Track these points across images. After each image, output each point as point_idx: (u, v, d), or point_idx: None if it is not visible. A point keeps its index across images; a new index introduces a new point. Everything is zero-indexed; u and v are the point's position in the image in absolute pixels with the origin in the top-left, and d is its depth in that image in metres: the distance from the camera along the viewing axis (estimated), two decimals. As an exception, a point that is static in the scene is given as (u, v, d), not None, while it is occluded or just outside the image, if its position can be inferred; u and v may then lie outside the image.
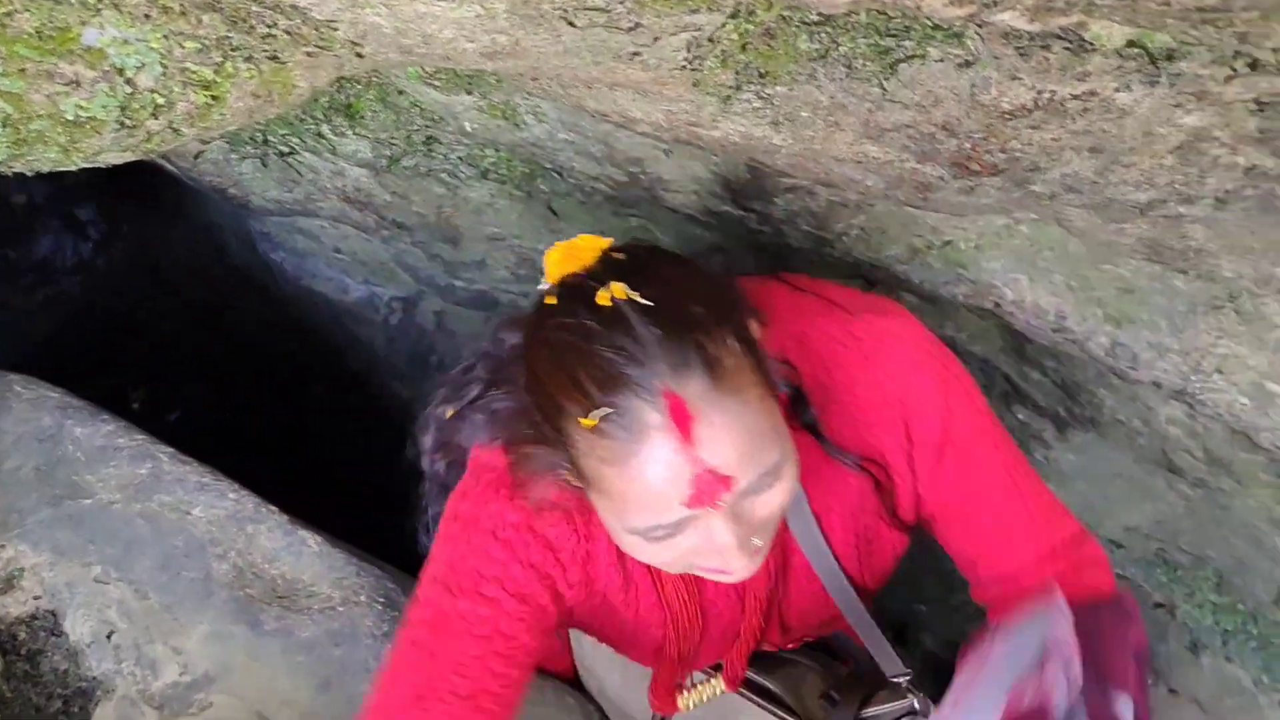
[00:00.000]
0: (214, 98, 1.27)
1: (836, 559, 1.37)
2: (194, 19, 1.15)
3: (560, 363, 1.07)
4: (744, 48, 1.15)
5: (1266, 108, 1.02)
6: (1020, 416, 2.04)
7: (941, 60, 1.09)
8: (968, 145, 1.20)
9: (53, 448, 1.84)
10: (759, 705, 1.59)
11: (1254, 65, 0.98)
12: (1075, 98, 1.07)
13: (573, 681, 1.77)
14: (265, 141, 1.98)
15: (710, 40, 1.14)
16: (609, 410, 1.02)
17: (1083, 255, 1.50)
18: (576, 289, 1.09)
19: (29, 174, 1.27)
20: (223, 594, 1.71)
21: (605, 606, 1.38)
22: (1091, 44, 1.02)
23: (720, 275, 1.19)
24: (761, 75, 1.21)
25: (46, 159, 1.22)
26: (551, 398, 1.08)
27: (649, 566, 1.30)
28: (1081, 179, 1.22)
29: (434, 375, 2.79)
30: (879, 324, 1.30)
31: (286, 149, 1.99)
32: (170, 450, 1.86)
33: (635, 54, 1.16)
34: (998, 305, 1.62)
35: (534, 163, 1.86)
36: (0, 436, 1.87)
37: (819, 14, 1.10)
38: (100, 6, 1.10)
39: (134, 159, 1.34)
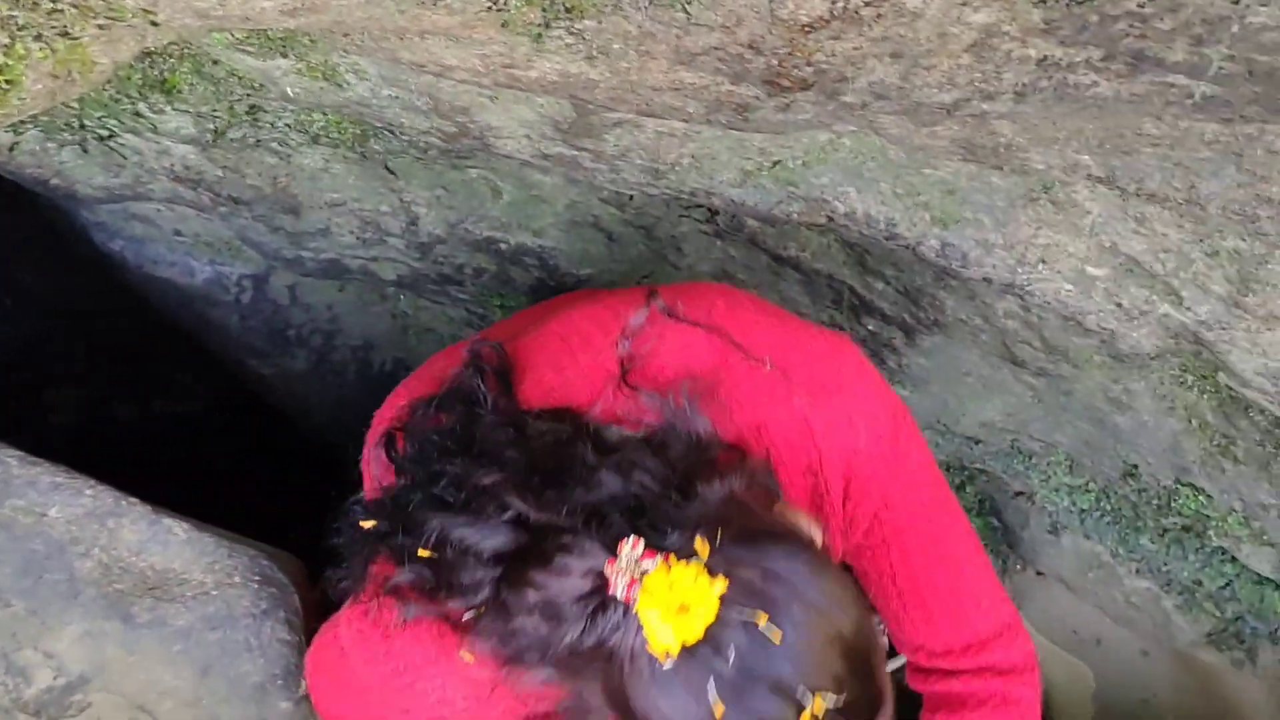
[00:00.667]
0: (8, 82, 1.23)
1: None
2: (-30, 0, 1.11)
3: None
4: (546, -17, 1.15)
5: (1046, -1, 1.06)
6: (870, 327, 2.10)
7: (737, -21, 1.11)
8: (775, 62, 1.22)
9: (-110, 464, 1.77)
10: None
11: (1026, -42, 1.02)
12: (868, 4, 1.09)
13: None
14: (82, 126, 1.91)
15: (510, -22, 1.14)
16: None
17: (904, 162, 1.55)
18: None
19: None
20: (90, 592, 1.67)
21: None
22: (875, -50, 1.05)
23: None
24: (569, 10, 1.21)
25: None
26: None
27: None
28: (888, 86, 1.25)
29: (294, 350, 2.76)
30: (837, 411, 1.31)
31: (105, 132, 1.92)
32: (18, 453, 1.79)
33: (437, -1, 1.16)
34: (831, 219, 1.66)
35: (363, 122, 1.83)
36: None
37: (613, -57, 1.11)
38: None
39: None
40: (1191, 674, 2.21)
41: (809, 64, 1.22)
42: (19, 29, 1.16)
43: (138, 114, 1.84)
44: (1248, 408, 1.69)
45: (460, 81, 1.48)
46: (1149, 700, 2.26)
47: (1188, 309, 1.54)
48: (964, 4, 1.08)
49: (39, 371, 2.84)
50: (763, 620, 1.00)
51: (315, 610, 1.83)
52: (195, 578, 1.73)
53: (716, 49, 1.23)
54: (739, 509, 1.11)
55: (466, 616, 1.14)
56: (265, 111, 1.83)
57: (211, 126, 1.86)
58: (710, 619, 1.00)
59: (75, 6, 1.16)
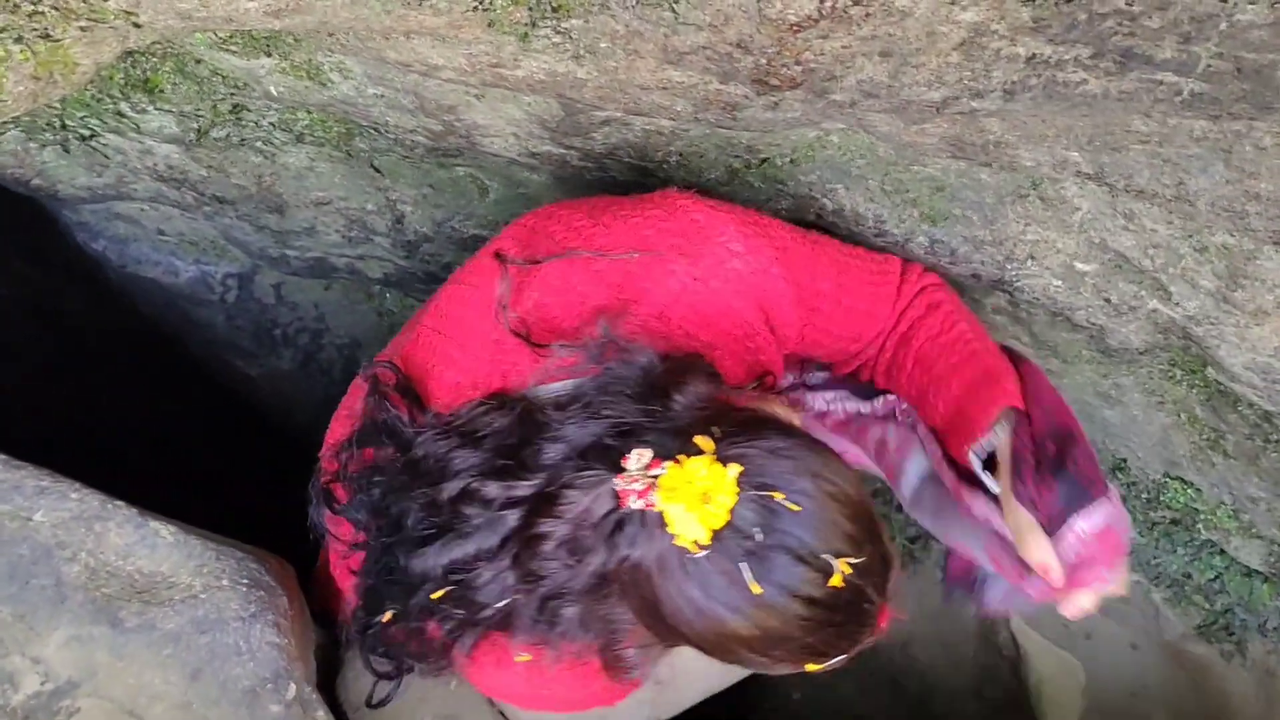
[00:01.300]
0: (-11, 84, 1.21)
1: None
2: (-51, 2, 1.09)
3: (793, 644, 1.09)
4: (532, -17, 1.15)
5: (1035, -3, 1.06)
6: (859, 323, 2.10)
7: (725, -22, 1.11)
8: (764, 61, 1.22)
9: (-128, 469, 1.75)
10: None
11: (1016, -43, 1.01)
12: (857, 4, 1.09)
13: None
14: (63, 126, 1.90)
15: (496, -22, 1.13)
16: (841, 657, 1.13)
17: (892, 159, 1.54)
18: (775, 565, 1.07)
19: None
20: (77, 597, 1.65)
21: None
22: (864, -51, 1.04)
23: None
24: (555, 9, 1.20)
25: None
26: (754, 657, 1.11)
27: None
28: (877, 84, 1.25)
29: (280, 349, 2.74)
30: (714, 254, 1.35)
31: (87, 132, 1.90)
32: (3, 456, 1.78)
33: (423, -1, 1.15)
34: (820, 216, 1.66)
35: (349, 121, 1.82)
36: None
37: (600, -58, 1.10)
38: None
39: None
40: (1181, 667, 2.22)
41: (798, 63, 1.21)
42: (-1, 31, 1.15)
43: (120, 114, 1.82)
44: (1236, 402, 1.69)
45: (447, 81, 1.47)
46: (1139, 693, 2.27)
47: (1176, 304, 1.54)
48: (953, 3, 1.08)
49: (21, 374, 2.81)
50: (779, 496, 1.05)
51: (303, 613, 1.83)
52: (183, 581, 1.72)
53: (705, 48, 1.22)
54: (719, 405, 1.17)
55: (502, 608, 1.18)
56: (249, 110, 1.81)
57: (195, 126, 1.85)
58: (731, 503, 1.05)
59: (56, 9, 1.15)
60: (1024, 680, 2.40)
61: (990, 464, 1.36)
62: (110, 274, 2.62)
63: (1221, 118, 1.21)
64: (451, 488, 1.17)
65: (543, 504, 1.13)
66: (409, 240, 2.20)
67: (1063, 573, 1.25)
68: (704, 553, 1.05)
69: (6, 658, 1.60)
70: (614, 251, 1.34)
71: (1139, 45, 1.11)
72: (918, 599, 2.46)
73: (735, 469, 1.06)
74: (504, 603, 1.18)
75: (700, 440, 1.08)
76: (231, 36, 1.51)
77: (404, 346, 1.40)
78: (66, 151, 1.98)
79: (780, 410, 1.23)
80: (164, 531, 1.75)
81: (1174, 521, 2.06)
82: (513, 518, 1.15)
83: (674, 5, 1.15)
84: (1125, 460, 2.04)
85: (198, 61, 1.66)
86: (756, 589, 1.04)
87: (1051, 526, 1.25)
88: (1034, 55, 1.16)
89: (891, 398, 1.55)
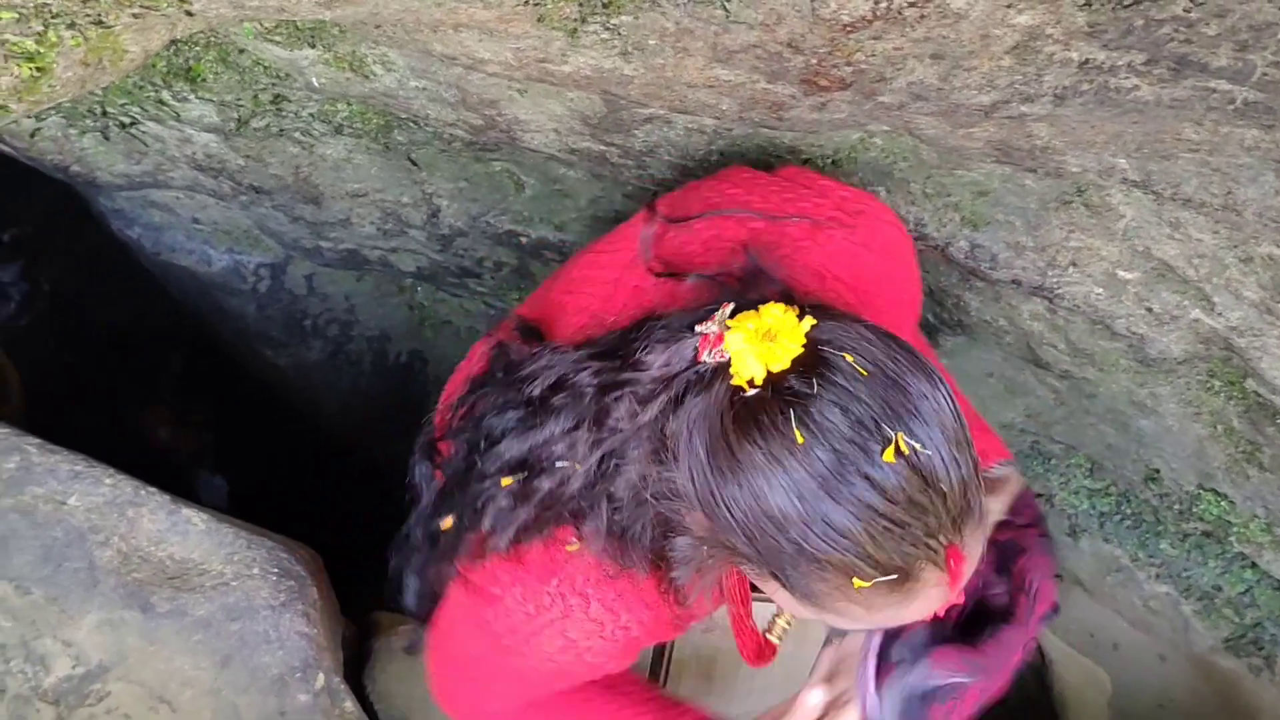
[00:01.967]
0: (39, 69, 1.21)
1: None
2: (6, -14, 1.09)
3: (829, 518, 0.93)
4: (584, -22, 1.14)
5: (1093, 1, 1.05)
6: (893, 326, 2.09)
7: (780, -23, 1.10)
8: (814, 61, 1.21)
9: (-90, 450, 1.77)
10: None
11: (1077, -40, 1.01)
12: (911, 5, 1.08)
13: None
14: (104, 113, 1.90)
15: (549, -27, 1.13)
16: (888, 577, 0.94)
17: (936, 162, 1.54)
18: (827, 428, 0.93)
19: None
20: (110, 581, 1.66)
21: None
22: (922, -50, 1.04)
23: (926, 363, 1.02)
24: (605, 6, 1.20)
25: None
26: (796, 559, 0.96)
27: None
28: (927, 86, 1.24)
29: (310, 340, 2.75)
30: (872, 225, 1.30)
31: (128, 119, 1.91)
32: (38, 441, 1.79)
33: (475, -8, 1.15)
34: (860, 218, 1.65)
35: (388, 113, 1.82)
36: None
37: (655, -62, 1.10)
38: (-99, -21, 1.04)
39: (-40, 141, 1.28)
40: (1209, 680, 2.20)
41: (848, 63, 1.21)
42: (53, 17, 1.15)
43: (161, 101, 1.83)
44: (1275, 414, 1.67)
45: (491, 75, 1.46)
46: (1165, 705, 2.26)
47: (1219, 314, 1.53)
48: (1009, 6, 1.07)
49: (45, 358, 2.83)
50: (850, 358, 0.95)
51: (332, 603, 1.83)
52: (214, 568, 1.73)
53: (755, 47, 1.21)
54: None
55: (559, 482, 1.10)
56: (289, 101, 1.82)
57: (235, 115, 1.85)
58: (796, 351, 0.96)
59: (111, -5, 1.15)
60: (1049, 689, 2.38)
61: None
62: (144, 261, 2.63)
63: (1274, 127, 1.20)
64: (545, 379, 1.11)
65: (625, 369, 1.06)
66: (443, 234, 2.20)
67: None
68: (754, 391, 0.95)
69: (39, 640, 1.61)
70: (775, 213, 1.28)
71: (1194, 52, 1.10)
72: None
73: (810, 322, 0.98)
74: (563, 473, 1.09)
75: (784, 306, 1.00)
76: (276, 27, 1.51)
77: (531, 316, 1.33)
78: (106, 138, 1.98)
79: None
80: (196, 519, 1.76)
81: (1206, 533, 2.05)
82: (592, 392, 1.07)
83: (726, 4, 1.14)
84: (1158, 470, 2.02)
85: (240, 51, 1.66)
86: (799, 437, 0.92)
87: None
88: (1087, 60, 1.15)
89: None
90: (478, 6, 1.19)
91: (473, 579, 1.19)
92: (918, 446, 0.92)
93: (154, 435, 2.86)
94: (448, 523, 1.19)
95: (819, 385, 0.94)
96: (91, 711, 1.57)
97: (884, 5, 1.09)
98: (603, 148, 1.68)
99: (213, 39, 1.64)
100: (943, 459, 0.93)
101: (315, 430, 3.04)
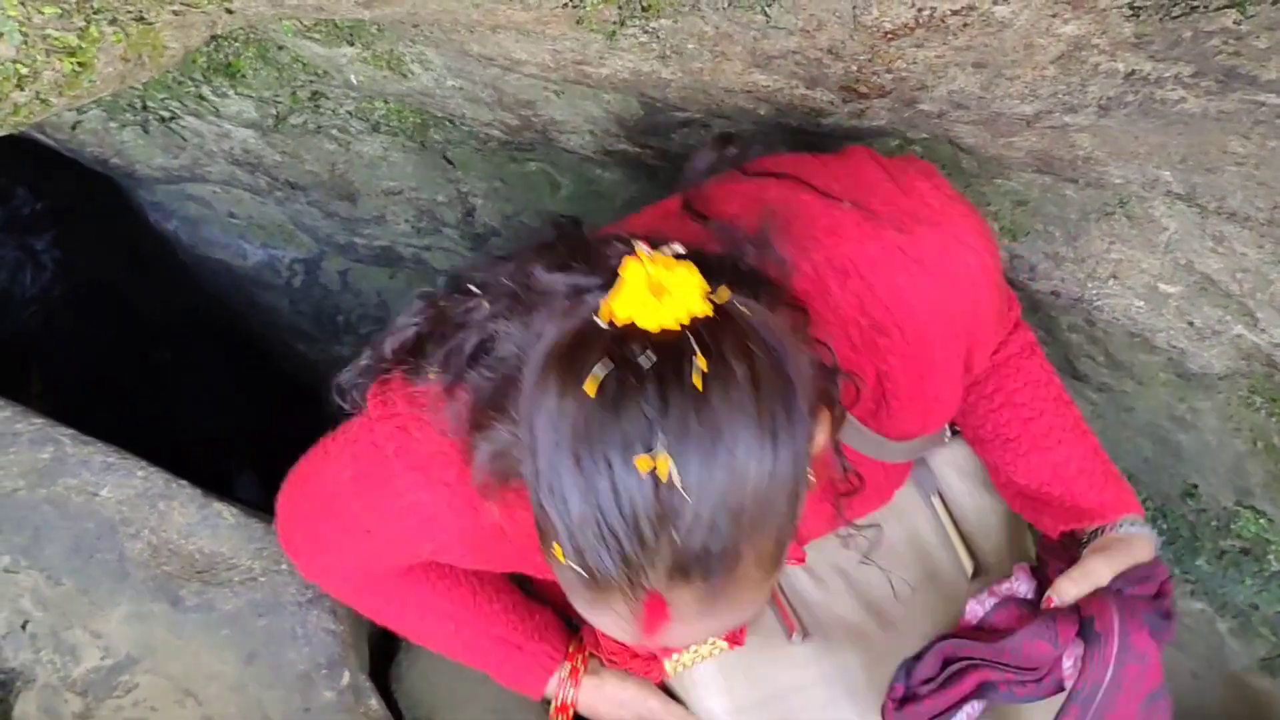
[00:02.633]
0: (81, 64, 1.22)
1: None
2: (49, -18, 1.10)
3: (562, 477, 0.87)
4: (624, -19, 1.14)
5: (1141, 12, 1.03)
6: (928, 335, 2.07)
7: (821, -17, 1.09)
8: (854, 68, 1.20)
9: (-55, 439, 1.78)
10: None
11: (1126, -30, 0.99)
12: (955, 13, 1.07)
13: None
14: (144, 107, 1.92)
15: (589, -25, 1.12)
16: (580, 571, 0.89)
17: (975, 171, 1.52)
18: (634, 373, 0.85)
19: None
20: (139, 574, 1.68)
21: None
22: (966, -42, 1.02)
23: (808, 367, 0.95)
24: (645, 9, 1.19)
25: (-93, 137, 1.18)
26: (535, 490, 0.91)
27: None
28: (968, 95, 1.23)
29: (342, 335, 2.76)
30: (938, 239, 1.14)
31: (167, 114, 1.92)
32: (71, 432, 1.80)
33: (514, -6, 1.14)
34: (897, 226, 1.64)
35: (425, 112, 1.82)
36: (-111, 431, 1.80)
37: (696, -57, 1.09)
38: (-54, -26, 1.05)
39: (1, 134, 1.29)
40: (1242, 699, 2.17)
41: (889, 71, 1.19)
42: (94, 12, 1.16)
43: (200, 97, 1.84)
44: (1316, 432, 1.65)
45: (527, 76, 1.46)
46: (1198, 724, 2.23)
47: (1263, 330, 1.50)
48: (1054, 15, 1.06)
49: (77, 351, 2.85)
50: (708, 366, 0.85)
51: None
52: (243, 563, 1.73)
53: (794, 52, 1.20)
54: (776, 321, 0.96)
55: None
56: (327, 99, 1.82)
57: (273, 111, 1.86)
58: (670, 324, 0.86)
59: (151, -9, 1.15)
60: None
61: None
62: (180, 254, 2.65)
63: (1324, 142, 1.17)
64: (535, 247, 1.08)
65: (582, 260, 1.01)
66: (478, 233, 2.20)
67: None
68: (600, 325, 0.88)
69: (69, 630, 1.62)
70: (830, 192, 1.16)
71: (1243, 65, 1.08)
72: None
73: (723, 297, 0.90)
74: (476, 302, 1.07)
75: (722, 290, 0.91)
76: (316, 24, 1.51)
77: None
78: (146, 132, 2.00)
79: (823, 431, 1.02)
80: (226, 513, 1.77)
81: (1243, 551, 2.02)
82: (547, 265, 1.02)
83: (766, 9, 1.13)
84: (1196, 486, 1.99)
85: (280, 48, 1.67)
86: (590, 389, 0.84)
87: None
88: (1133, 71, 1.13)
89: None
90: (516, 8, 1.18)
91: (370, 403, 1.19)
92: (679, 482, 0.83)
93: (186, 422, 2.88)
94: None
95: (655, 371, 0.84)
96: (119, 703, 1.57)
97: (927, 13, 1.08)
98: (639, 150, 1.68)
99: (252, 35, 1.65)
100: (697, 513, 0.84)
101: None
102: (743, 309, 0.91)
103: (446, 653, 1.53)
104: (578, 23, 1.22)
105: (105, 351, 2.75)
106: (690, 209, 1.18)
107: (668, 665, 1.48)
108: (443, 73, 1.58)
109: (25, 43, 1.11)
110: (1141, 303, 1.58)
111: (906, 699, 1.25)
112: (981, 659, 1.23)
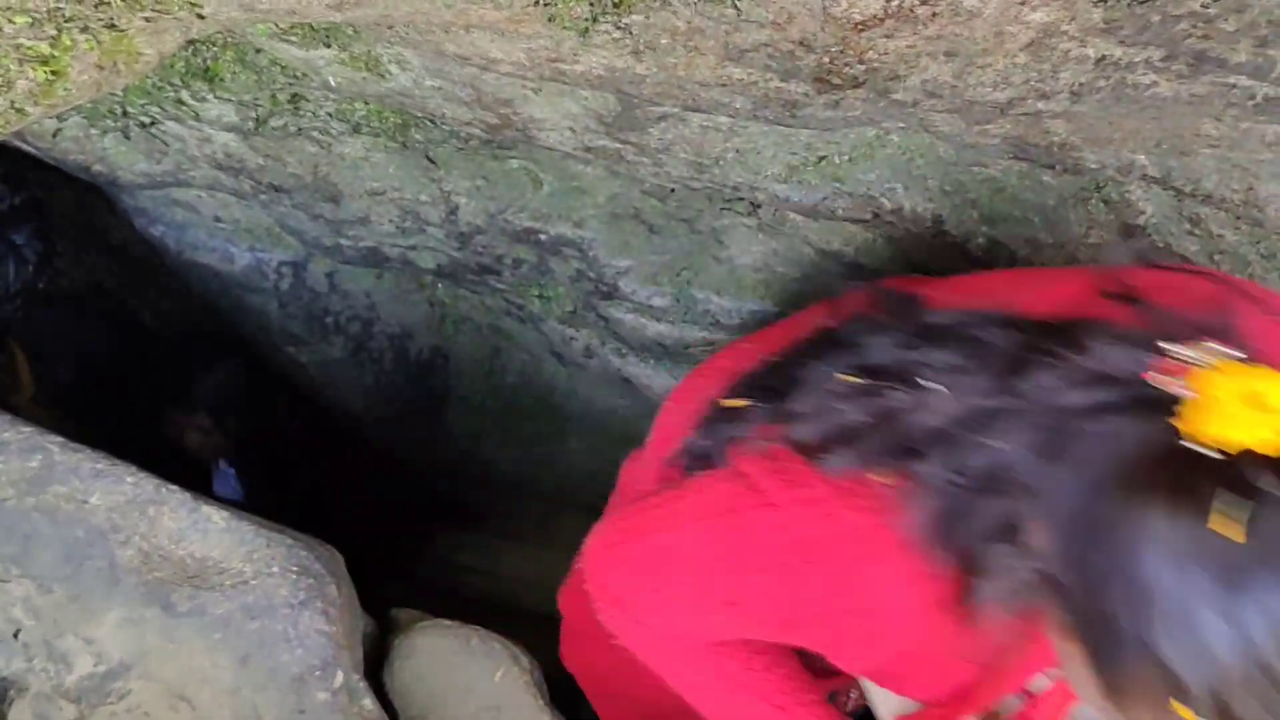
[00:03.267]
0: (54, 73, 1.22)
1: None
2: (19, -8, 1.10)
3: (1202, 627, 0.77)
4: (594, -22, 1.14)
5: (1108, -2, 1.04)
6: (913, 323, 2.08)
7: (790, -24, 1.09)
8: (826, 60, 1.20)
9: (-66, 449, 1.78)
10: None
11: (1089, -43, 0.99)
12: (924, 3, 1.07)
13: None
14: (124, 113, 1.92)
15: (558, -27, 1.13)
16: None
17: (953, 159, 1.52)
18: None
19: None
20: (130, 580, 1.68)
21: None
22: (932, -52, 1.03)
23: None
24: (616, 5, 1.19)
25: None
26: (1130, 639, 0.81)
27: None
28: (941, 84, 1.23)
29: (331, 336, 2.76)
30: None
31: (147, 119, 1.92)
32: (60, 439, 1.80)
33: (484, -7, 1.14)
34: (877, 215, 1.64)
35: (405, 112, 1.82)
36: (-122, 443, 1.80)
37: (664, -62, 1.09)
38: (-86, -14, 1.05)
39: (-21, 144, 1.29)
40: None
41: (861, 62, 1.20)
42: (65, 21, 1.16)
43: (180, 101, 1.84)
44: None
45: (504, 74, 1.46)
46: None
47: (1242, 312, 1.51)
48: (1023, 3, 1.06)
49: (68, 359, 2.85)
50: None
51: (351, 601, 1.84)
52: (234, 567, 1.73)
53: (766, 45, 1.21)
54: None
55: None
56: (307, 100, 1.82)
57: (253, 115, 1.86)
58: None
59: (123, 0, 1.15)
60: None
61: None
62: (167, 259, 2.65)
63: (1296, 123, 1.18)
64: (945, 319, 1.00)
65: (1059, 344, 0.92)
66: (462, 232, 2.20)
67: None
68: (1208, 451, 0.79)
69: (61, 638, 1.62)
70: (1270, 306, 1.04)
71: (1213, 48, 1.09)
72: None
73: None
74: (925, 397, 0.94)
75: None
76: (292, 27, 1.51)
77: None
78: (127, 138, 2.00)
79: None
80: (216, 517, 1.77)
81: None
82: (1006, 348, 0.94)
83: (737, 3, 1.14)
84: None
85: (258, 51, 1.67)
86: (1239, 536, 0.76)
87: None
88: (1104, 57, 1.13)
89: None
90: (488, 7, 1.18)
91: (746, 469, 1.06)
92: None
93: (171, 427, 2.87)
94: (739, 401, 1.09)
95: None
96: (113, 710, 1.58)
97: (895, 4, 1.08)
98: (618, 145, 1.68)
99: (229, 39, 1.65)
100: None
101: (336, 426, 3.06)
102: None
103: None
104: (550, 20, 1.22)
105: (99, 360, 2.75)
106: (1109, 294, 1.04)
107: None
108: (421, 73, 1.58)
109: (-3, 53, 1.12)
110: (1121, 287, 1.58)
111: None
112: None
